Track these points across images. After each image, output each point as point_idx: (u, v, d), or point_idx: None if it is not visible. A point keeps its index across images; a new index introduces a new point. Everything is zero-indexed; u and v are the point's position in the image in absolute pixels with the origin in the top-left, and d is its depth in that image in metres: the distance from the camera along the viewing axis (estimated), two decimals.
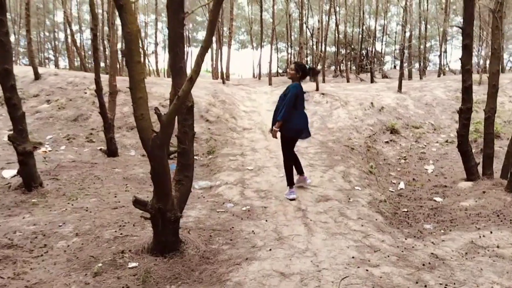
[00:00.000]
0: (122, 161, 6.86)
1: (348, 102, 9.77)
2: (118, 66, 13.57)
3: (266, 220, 4.26)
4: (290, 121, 4.97)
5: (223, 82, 13.29)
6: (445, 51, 19.10)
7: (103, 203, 4.76)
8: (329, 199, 4.95)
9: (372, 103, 9.64)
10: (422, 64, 21.37)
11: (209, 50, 17.94)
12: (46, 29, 26.86)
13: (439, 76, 15.08)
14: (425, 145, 8.03)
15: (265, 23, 40.25)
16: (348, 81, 16.26)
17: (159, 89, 10.16)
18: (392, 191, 5.89)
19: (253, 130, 8.66)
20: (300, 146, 7.44)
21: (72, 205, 4.66)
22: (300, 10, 15.57)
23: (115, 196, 5.03)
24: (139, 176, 6.05)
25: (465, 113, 5.71)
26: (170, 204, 3.27)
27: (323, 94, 10.43)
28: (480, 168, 5.96)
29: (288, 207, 4.70)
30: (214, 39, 14.34)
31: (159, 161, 3.08)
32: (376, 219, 4.42)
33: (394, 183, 6.33)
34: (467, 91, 5.65)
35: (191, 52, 38.23)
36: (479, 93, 9.93)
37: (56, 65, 27.25)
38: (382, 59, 42.86)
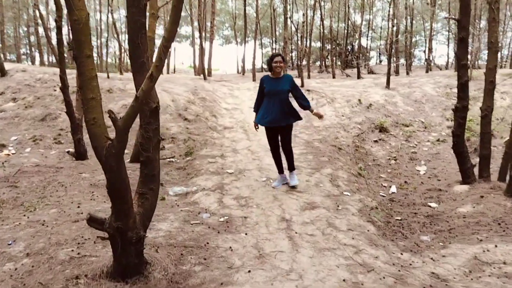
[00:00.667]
0: (91, 165, 6.34)
1: (335, 99, 9.41)
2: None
3: (246, 234, 3.84)
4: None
5: (205, 78, 12.79)
6: (431, 47, 18.90)
7: (64, 215, 4.27)
8: (316, 207, 4.56)
9: (359, 100, 9.29)
10: (408, 59, 21.18)
11: (193, 46, 17.37)
12: (24, 23, 25.82)
13: (427, 72, 14.87)
14: (416, 144, 7.72)
15: (249, 18, 39.75)
16: (334, 77, 15.93)
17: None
18: (383, 196, 5.53)
19: (234, 129, 8.21)
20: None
21: (28, 217, 4.17)
22: (285, 4, 15.14)
23: (78, 206, 4.53)
24: None
25: (460, 112, 5.39)
26: (132, 222, 2.83)
27: (308, 90, 10.04)
28: (475, 170, 5.64)
29: (271, 216, 4.29)
30: (197, 34, 13.81)
31: (116, 173, 2.62)
32: (368, 230, 4.05)
33: (385, 186, 5.98)
34: (463, 88, 5.33)
35: (174, 49, 37.53)
36: (470, 90, 9.64)
37: (33, 62, 26.26)
38: (368, 54, 42.86)
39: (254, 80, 17.50)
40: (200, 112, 8.74)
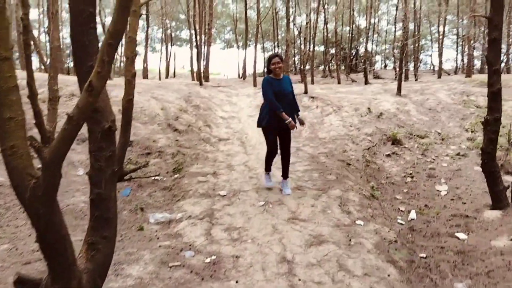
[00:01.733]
0: (63, 184, 5.58)
1: (342, 107, 8.68)
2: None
3: (237, 282, 3.12)
4: None
5: (201, 84, 12.10)
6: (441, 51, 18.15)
7: (15, 254, 3.56)
8: (324, 241, 3.82)
9: (369, 108, 8.57)
10: (416, 64, 20.49)
11: (191, 49, 16.67)
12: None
13: (439, 77, 14.13)
14: (434, 159, 6.97)
15: (250, 21, 39.25)
16: (339, 83, 15.25)
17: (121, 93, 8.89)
18: (401, 223, 4.78)
19: (230, 141, 7.50)
20: None
21: None
22: (287, 5, 14.49)
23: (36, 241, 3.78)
24: (79, 206, 4.83)
25: (492, 125, 4.66)
26: (76, 283, 2.10)
27: (312, 97, 9.34)
28: (507, 192, 4.90)
29: (269, 255, 3.56)
30: (194, 37, 13.14)
31: (46, 222, 1.90)
32: (389, 275, 3.31)
33: (402, 210, 5.23)
34: (495, 97, 4.61)
35: (174, 53, 36.97)
36: None
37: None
38: (373, 58, 42.21)
39: (255, 85, 16.82)
40: (193, 121, 8.03)
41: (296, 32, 38.02)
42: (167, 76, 43.48)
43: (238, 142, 7.48)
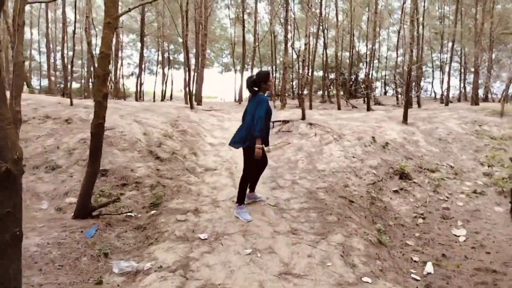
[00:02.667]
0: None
1: (343, 136, 8.03)
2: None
3: None
4: None
5: (191, 107, 11.49)
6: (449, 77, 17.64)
7: None
8: None
9: (373, 137, 7.92)
10: (418, 90, 20.05)
11: (185, 72, 16.17)
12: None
13: (446, 104, 13.58)
14: (447, 197, 6.28)
15: (248, 45, 39.24)
16: (339, 108, 14.71)
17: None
18: (416, 279, 4.05)
19: (218, 172, 6.80)
20: (280, 197, 5.61)
21: None
22: (285, 27, 14.11)
23: None
24: (29, 251, 4.06)
25: None
26: None
27: (311, 124, 8.71)
28: None
29: None
30: (185, 57, 12.60)
31: None
32: None
33: (415, 261, 4.50)
34: None
35: (171, 75, 36.74)
36: (504, 127, 8.36)
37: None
38: (373, 84, 42.07)
39: None
40: (178, 148, 7.34)
41: (295, 56, 37.99)
42: (162, 99, 43.13)
43: (227, 172, 6.78)
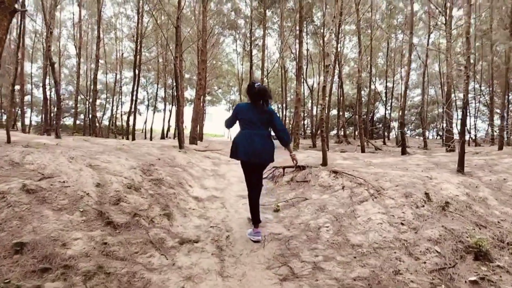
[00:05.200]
0: None
1: (383, 191, 5.85)
2: None
3: None
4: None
5: (180, 147, 9.45)
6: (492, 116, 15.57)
7: None
8: None
9: (426, 193, 5.73)
10: (443, 132, 17.94)
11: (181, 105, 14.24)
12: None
13: (500, 148, 11.35)
14: None
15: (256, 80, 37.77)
16: (363, 151, 12.62)
17: (49, 159, 6.16)
18: None
19: (199, 246, 4.62)
20: None
21: None
22: (299, 54, 12.29)
23: None
24: None
25: None
26: None
27: (335, 172, 6.57)
28: None
29: None
30: (178, 86, 10.72)
31: None
32: None
33: None
34: None
35: (170, 110, 35.24)
36: None
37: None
38: (390, 124, 40.14)
39: None
40: (144, 207, 5.20)
41: (306, 93, 36.46)
42: (163, 137, 41.45)
43: (213, 247, 4.60)
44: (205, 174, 7.63)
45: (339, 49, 24.50)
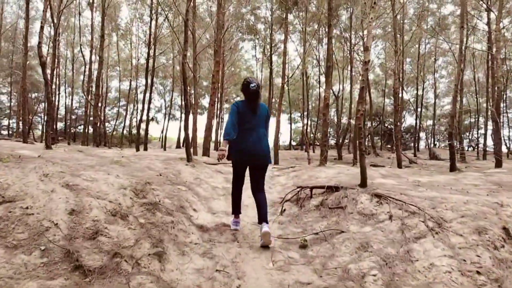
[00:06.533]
0: None
1: (445, 223, 4.52)
2: None
3: None
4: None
5: (188, 159, 8.29)
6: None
7: None
8: None
9: (505, 228, 4.38)
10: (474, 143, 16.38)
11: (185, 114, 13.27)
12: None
13: None
14: None
15: (277, 87, 36.73)
16: (399, 165, 11.24)
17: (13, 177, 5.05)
18: None
19: None
20: None
21: None
22: (327, 59, 11.02)
23: None
24: None
25: None
26: None
27: (378, 196, 5.25)
28: None
29: None
30: (186, 89, 9.55)
31: None
32: None
33: None
34: None
35: (194, 119, 34.45)
36: None
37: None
38: (418, 134, 38.32)
39: (275, 162, 13.13)
40: (129, 243, 4.00)
41: (330, 100, 34.96)
42: (178, 145, 40.52)
43: None
44: (214, 194, 6.43)
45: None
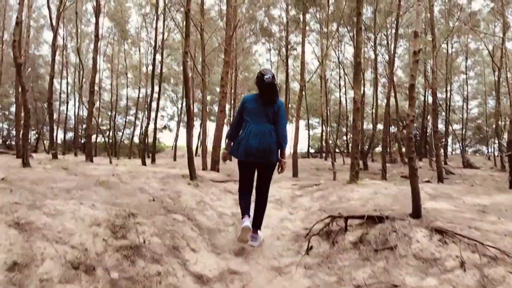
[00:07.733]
0: None
1: None
2: None
3: None
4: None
5: (191, 177, 7.10)
6: None
7: None
8: None
9: None
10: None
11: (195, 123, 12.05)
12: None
13: None
14: None
15: (293, 92, 35.52)
16: (440, 179, 9.89)
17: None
18: None
19: None
20: None
21: None
22: (356, 54, 9.78)
23: None
24: None
25: None
26: None
27: (439, 232, 3.94)
28: None
29: None
30: (188, 91, 8.29)
31: None
32: None
33: None
34: None
35: (208, 128, 33.40)
36: None
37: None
38: (447, 140, 36.53)
39: (295, 175, 11.95)
40: None
41: (349, 105, 33.73)
42: (197, 153, 39.60)
43: None
44: (221, 224, 5.21)
45: (390, 52, 21.80)
